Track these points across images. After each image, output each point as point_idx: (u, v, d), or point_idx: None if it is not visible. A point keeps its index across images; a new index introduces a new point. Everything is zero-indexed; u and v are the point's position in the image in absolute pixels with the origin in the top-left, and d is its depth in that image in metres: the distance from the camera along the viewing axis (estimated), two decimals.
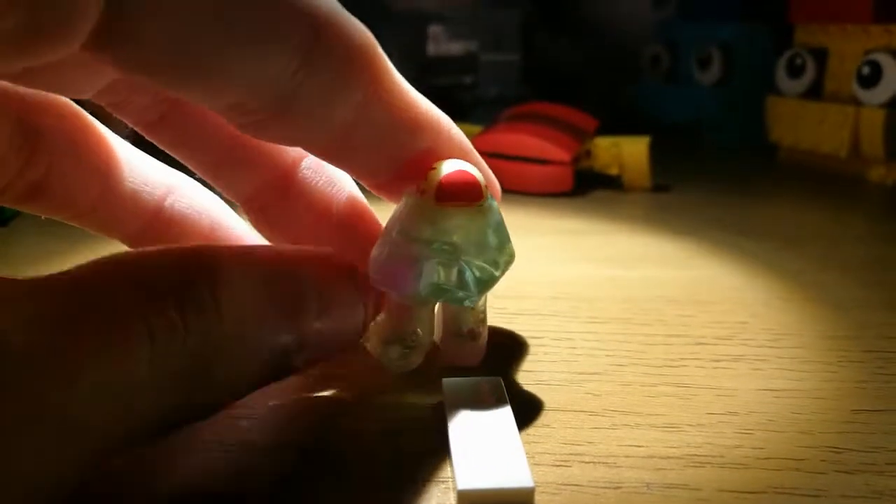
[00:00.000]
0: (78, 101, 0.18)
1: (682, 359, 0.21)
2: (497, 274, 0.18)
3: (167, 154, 0.19)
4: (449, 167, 0.17)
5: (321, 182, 0.19)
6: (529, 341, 0.22)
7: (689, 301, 0.25)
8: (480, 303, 0.19)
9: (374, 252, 0.17)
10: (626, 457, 0.16)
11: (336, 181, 0.19)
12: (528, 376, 0.20)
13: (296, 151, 0.19)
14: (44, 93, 0.17)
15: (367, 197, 0.19)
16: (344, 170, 0.18)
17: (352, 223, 0.19)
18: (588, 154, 0.44)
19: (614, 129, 0.45)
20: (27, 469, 0.11)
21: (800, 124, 0.50)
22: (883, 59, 0.44)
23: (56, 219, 0.19)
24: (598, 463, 0.16)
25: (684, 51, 0.61)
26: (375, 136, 0.16)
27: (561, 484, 0.15)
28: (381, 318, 0.18)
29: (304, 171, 0.19)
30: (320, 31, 0.14)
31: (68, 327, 0.12)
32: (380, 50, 0.15)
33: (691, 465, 0.16)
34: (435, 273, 0.17)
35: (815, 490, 0.15)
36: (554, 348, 0.21)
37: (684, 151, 0.56)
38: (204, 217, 0.20)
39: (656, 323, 0.23)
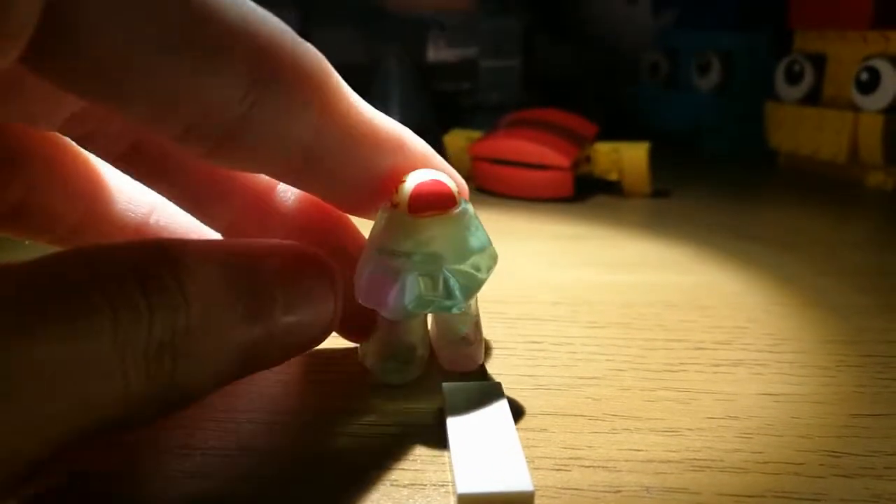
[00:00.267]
0: None
1: (681, 363, 0.21)
2: (482, 277, 0.17)
3: None
4: (418, 177, 0.17)
5: (299, 201, 0.19)
6: (529, 346, 0.22)
7: (689, 306, 0.25)
8: (472, 308, 0.19)
9: (357, 272, 0.17)
10: (626, 461, 0.16)
11: (315, 199, 0.19)
12: (527, 380, 0.20)
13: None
14: None
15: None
16: (311, 193, 0.18)
17: (333, 238, 0.19)
18: (588, 160, 0.44)
19: (614, 135, 0.45)
20: None
21: (799, 130, 0.50)
22: (881, 65, 0.45)
23: (37, 242, 0.19)
24: (598, 467, 0.16)
25: (684, 57, 0.61)
26: (335, 157, 0.16)
27: (561, 488, 0.15)
28: (375, 334, 0.18)
29: (282, 193, 0.19)
30: (268, 54, 0.14)
31: (26, 306, 0.12)
32: (332, 71, 0.15)
33: (691, 469, 0.16)
34: (417, 285, 0.17)
35: (814, 494, 0.15)
36: (554, 353, 0.21)
37: (684, 157, 0.56)
38: (190, 234, 0.20)
39: (656, 328, 0.23)
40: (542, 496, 0.15)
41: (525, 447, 0.16)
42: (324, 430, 0.17)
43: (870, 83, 0.45)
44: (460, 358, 0.19)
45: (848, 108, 0.47)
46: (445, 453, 0.16)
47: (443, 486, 0.15)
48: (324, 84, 0.15)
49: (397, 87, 0.57)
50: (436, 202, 0.17)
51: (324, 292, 0.16)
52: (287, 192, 0.19)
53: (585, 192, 0.43)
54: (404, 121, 0.18)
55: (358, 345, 0.20)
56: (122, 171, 0.18)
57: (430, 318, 0.19)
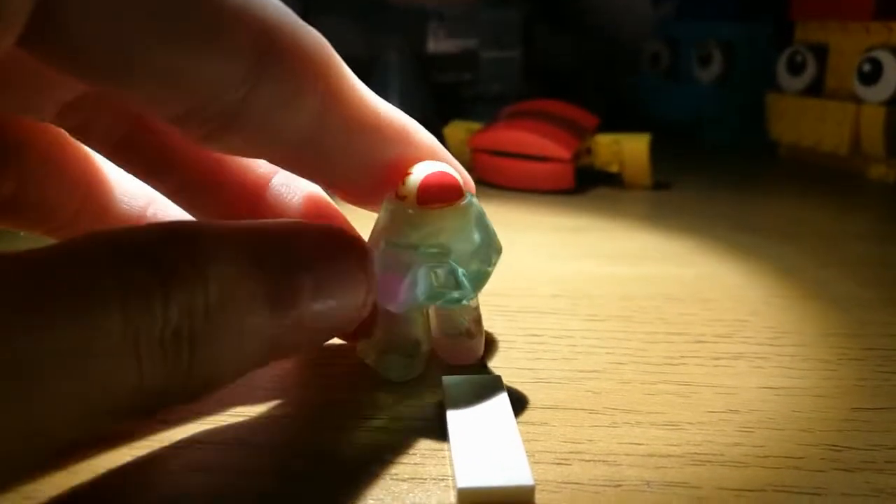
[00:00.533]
0: None
1: (682, 357, 0.21)
2: (489, 269, 0.18)
3: None
4: (425, 169, 0.17)
5: (293, 197, 0.18)
6: (529, 339, 0.22)
7: (690, 299, 0.25)
8: (473, 301, 0.19)
9: None
10: (627, 455, 0.16)
11: (307, 192, 0.19)
12: (528, 374, 0.20)
13: (265, 169, 0.18)
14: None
15: (342, 207, 0.19)
16: (314, 181, 0.17)
17: None
18: (588, 151, 0.44)
19: (615, 127, 0.45)
20: None
21: (800, 121, 0.50)
22: (883, 56, 0.44)
23: (33, 233, 0.18)
24: (599, 461, 0.16)
25: (685, 48, 0.61)
26: (338, 144, 0.16)
27: (561, 482, 0.15)
28: (376, 330, 0.18)
29: (275, 188, 0.18)
30: (270, 37, 0.14)
31: (34, 292, 0.11)
32: (336, 56, 0.15)
33: (691, 463, 0.16)
34: (428, 278, 0.17)
35: (814, 488, 0.15)
36: (554, 346, 0.21)
37: (685, 149, 0.56)
38: None
39: (656, 321, 0.23)
40: (543, 490, 0.15)
41: (525, 441, 0.16)
42: (324, 425, 0.17)
43: (872, 74, 0.45)
44: (461, 351, 0.19)
45: (850, 99, 0.47)
46: (445, 447, 0.16)
47: (443, 479, 0.15)
48: (327, 69, 0.15)
49: (397, 78, 0.57)
50: (444, 194, 0.17)
51: (356, 275, 0.15)
52: (280, 188, 0.18)
53: (586, 184, 0.43)
54: (404, 112, 0.17)
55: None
56: (116, 163, 0.18)
57: (431, 311, 0.19)
